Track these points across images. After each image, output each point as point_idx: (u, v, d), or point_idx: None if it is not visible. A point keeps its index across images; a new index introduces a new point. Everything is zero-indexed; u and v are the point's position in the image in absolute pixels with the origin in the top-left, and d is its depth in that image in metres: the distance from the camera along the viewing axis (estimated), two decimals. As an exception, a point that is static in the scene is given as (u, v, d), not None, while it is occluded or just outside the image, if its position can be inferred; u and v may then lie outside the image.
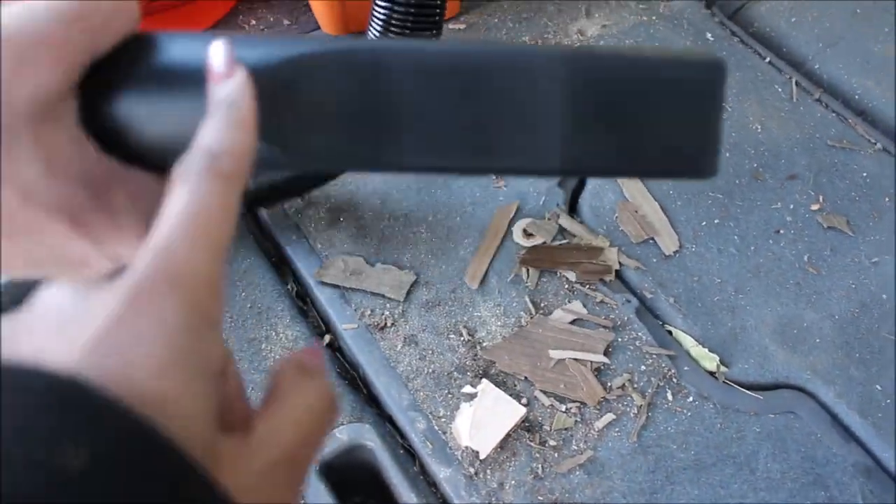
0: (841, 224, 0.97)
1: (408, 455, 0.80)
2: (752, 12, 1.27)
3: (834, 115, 1.10)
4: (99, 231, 0.23)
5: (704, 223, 0.97)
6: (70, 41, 0.22)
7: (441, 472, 0.77)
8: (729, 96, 1.11)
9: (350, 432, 0.79)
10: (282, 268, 0.93)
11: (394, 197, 0.96)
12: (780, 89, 1.13)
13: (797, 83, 1.14)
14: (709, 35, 1.20)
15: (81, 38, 0.23)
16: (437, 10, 0.77)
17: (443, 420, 0.80)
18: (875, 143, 1.07)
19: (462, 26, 1.19)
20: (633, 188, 0.99)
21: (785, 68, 1.16)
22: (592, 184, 1.00)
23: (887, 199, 1.01)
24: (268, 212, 0.95)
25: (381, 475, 0.78)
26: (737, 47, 1.19)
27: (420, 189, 0.97)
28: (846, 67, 1.17)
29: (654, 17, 1.22)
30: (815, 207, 0.99)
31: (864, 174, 1.03)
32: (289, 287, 0.91)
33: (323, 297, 0.88)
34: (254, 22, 1.21)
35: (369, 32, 0.79)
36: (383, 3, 0.77)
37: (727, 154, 1.03)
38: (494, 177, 1.00)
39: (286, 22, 1.21)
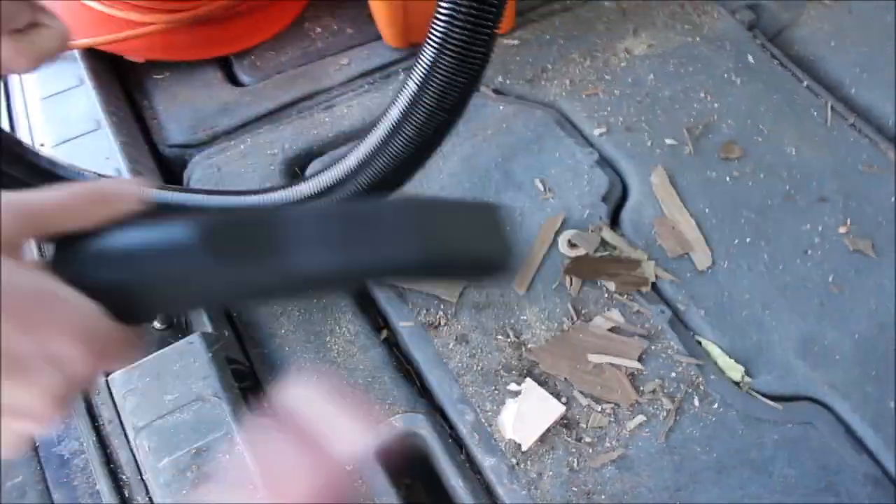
0: (866, 247, 1.03)
1: (456, 444, 0.88)
2: (793, 35, 1.33)
3: (867, 140, 1.16)
4: None
5: (737, 241, 1.03)
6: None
7: (486, 461, 0.85)
8: (766, 119, 1.17)
9: (404, 421, 0.87)
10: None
11: (448, 204, 1.04)
12: (815, 113, 1.19)
13: (832, 108, 1.19)
14: (750, 58, 1.26)
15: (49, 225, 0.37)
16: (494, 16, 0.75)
17: (489, 414, 0.88)
18: (904, 170, 1.12)
19: (515, 42, 1.26)
20: (671, 206, 1.06)
21: (822, 92, 1.22)
22: (634, 199, 1.08)
23: (912, 224, 1.06)
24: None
25: (431, 461, 0.87)
26: (776, 70, 1.25)
27: (474, 199, 1.05)
28: (882, 93, 1.22)
29: (697, 38, 1.28)
30: (842, 230, 1.05)
31: (893, 199, 1.09)
32: (350, 284, 1.00)
33: (382, 295, 0.97)
34: (319, 30, 1.29)
35: (428, 40, 0.77)
36: (444, 12, 0.74)
37: (761, 175, 1.10)
38: (542, 189, 1.07)
39: (349, 31, 1.29)
